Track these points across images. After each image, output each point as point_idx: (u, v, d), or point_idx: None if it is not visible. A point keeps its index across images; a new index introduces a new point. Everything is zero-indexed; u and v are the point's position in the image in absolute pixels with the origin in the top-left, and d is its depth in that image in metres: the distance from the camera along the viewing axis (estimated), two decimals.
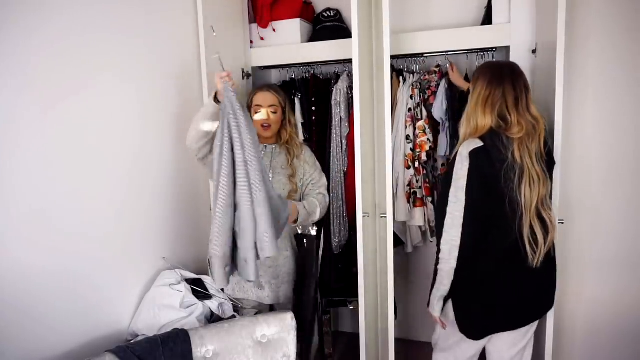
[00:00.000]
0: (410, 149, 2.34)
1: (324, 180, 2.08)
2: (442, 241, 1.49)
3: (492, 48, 2.31)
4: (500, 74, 1.51)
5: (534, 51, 2.12)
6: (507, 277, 1.53)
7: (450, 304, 1.57)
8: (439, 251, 1.52)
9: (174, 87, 1.98)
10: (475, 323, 1.57)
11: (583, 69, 2.09)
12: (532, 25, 2.13)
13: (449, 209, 1.47)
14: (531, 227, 1.45)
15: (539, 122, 1.49)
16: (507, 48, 2.21)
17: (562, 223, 1.85)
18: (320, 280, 2.36)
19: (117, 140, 1.67)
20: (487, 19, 2.28)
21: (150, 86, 1.84)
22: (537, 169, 1.44)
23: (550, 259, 1.57)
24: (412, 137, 2.34)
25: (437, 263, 1.54)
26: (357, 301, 2.06)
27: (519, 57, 2.16)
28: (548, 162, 1.54)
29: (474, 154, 1.45)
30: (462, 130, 1.56)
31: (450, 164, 1.52)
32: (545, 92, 1.86)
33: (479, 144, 1.46)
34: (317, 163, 2.08)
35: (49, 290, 1.40)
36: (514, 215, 1.45)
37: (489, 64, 1.60)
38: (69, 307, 1.47)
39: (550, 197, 1.56)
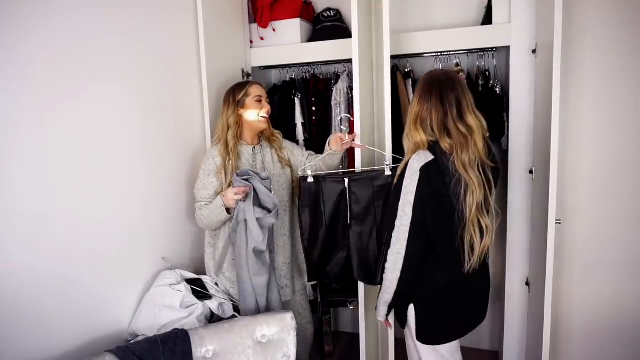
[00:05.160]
0: None
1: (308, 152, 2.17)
2: (389, 252, 1.52)
3: (492, 48, 2.31)
4: (430, 90, 1.50)
5: (534, 51, 2.12)
6: (456, 286, 1.56)
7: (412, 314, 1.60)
8: (385, 261, 1.54)
9: (174, 88, 1.98)
10: (435, 332, 1.60)
11: (581, 69, 2.08)
12: (532, 25, 2.13)
13: (397, 222, 1.49)
14: (471, 234, 1.46)
15: (472, 131, 1.47)
16: (507, 48, 2.21)
17: (559, 223, 1.85)
18: (320, 280, 2.37)
19: (116, 141, 1.67)
20: (487, 19, 2.28)
21: (150, 88, 1.84)
22: (473, 178, 1.43)
23: (485, 264, 1.59)
24: None
25: (382, 272, 1.57)
26: (357, 301, 2.06)
27: (519, 57, 2.16)
28: (493, 169, 1.53)
29: (424, 169, 1.44)
30: (405, 145, 1.56)
31: (399, 175, 1.51)
32: (545, 92, 1.86)
33: (430, 157, 1.45)
34: (293, 143, 2.18)
35: (49, 291, 1.41)
36: (459, 224, 1.46)
37: (425, 77, 1.58)
38: (69, 307, 1.47)
39: (493, 202, 1.54)
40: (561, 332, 2.27)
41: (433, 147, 1.48)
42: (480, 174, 1.46)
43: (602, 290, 2.21)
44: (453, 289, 1.56)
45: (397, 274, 1.51)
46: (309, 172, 1.90)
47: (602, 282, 2.20)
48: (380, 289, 1.61)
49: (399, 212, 1.48)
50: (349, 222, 1.90)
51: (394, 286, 1.53)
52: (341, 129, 2.18)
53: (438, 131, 1.48)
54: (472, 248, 1.48)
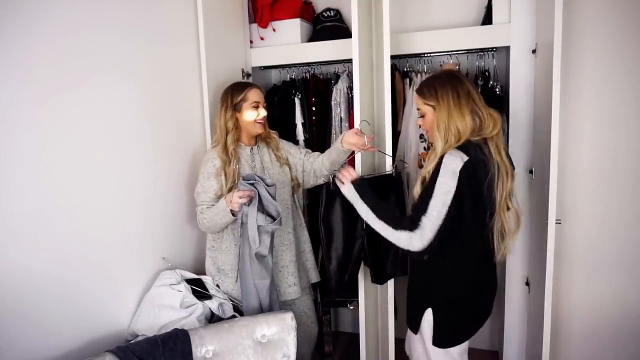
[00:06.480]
0: (424, 147, 2.35)
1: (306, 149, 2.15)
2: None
3: (492, 48, 2.31)
4: (451, 78, 1.50)
5: (534, 51, 2.12)
6: (472, 287, 1.55)
7: (429, 322, 1.56)
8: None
9: (173, 85, 1.98)
10: (453, 335, 1.58)
11: (581, 67, 2.09)
12: (532, 25, 2.13)
13: (428, 215, 1.42)
14: (502, 222, 1.46)
15: (497, 120, 1.49)
16: (507, 48, 2.21)
17: (560, 223, 1.85)
18: (320, 280, 2.36)
19: (116, 139, 1.67)
20: (487, 19, 2.28)
21: (150, 85, 1.84)
22: (506, 164, 1.45)
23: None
24: (425, 136, 2.34)
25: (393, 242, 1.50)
26: (357, 301, 2.06)
27: (519, 57, 2.17)
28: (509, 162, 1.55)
29: (463, 170, 1.39)
30: (440, 143, 1.46)
31: (433, 172, 1.44)
32: (545, 92, 1.86)
33: (465, 157, 1.40)
34: (289, 142, 2.16)
35: (48, 292, 1.40)
36: (491, 215, 1.45)
37: (433, 77, 1.57)
38: (68, 307, 1.47)
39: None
40: (561, 332, 2.27)
41: (468, 146, 1.44)
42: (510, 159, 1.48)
43: (602, 290, 2.21)
44: (470, 290, 1.54)
45: (402, 244, 1.45)
46: (331, 179, 1.80)
47: (602, 282, 2.20)
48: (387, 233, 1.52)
49: (432, 207, 1.41)
50: (364, 227, 1.82)
51: (389, 237, 1.49)
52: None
53: (483, 108, 1.47)
54: (502, 236, 1.47)
